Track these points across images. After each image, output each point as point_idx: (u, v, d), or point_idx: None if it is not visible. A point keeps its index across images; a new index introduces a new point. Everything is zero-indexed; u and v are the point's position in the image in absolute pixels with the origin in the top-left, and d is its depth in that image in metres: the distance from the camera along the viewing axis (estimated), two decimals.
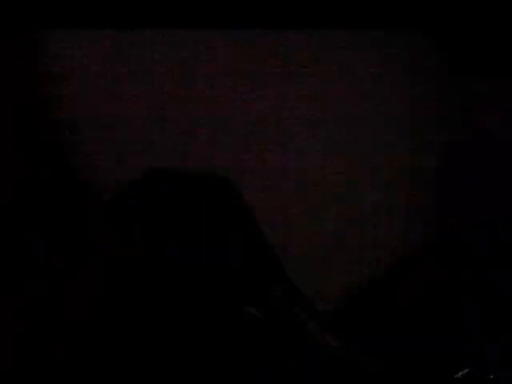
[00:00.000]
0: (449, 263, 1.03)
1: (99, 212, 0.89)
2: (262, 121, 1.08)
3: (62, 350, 0.79)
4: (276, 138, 1.08)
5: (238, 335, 0.84)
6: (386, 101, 1.10)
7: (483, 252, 1.02)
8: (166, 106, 1.06)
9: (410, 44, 1.09)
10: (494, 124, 1.09)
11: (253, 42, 1.07)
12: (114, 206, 0.88)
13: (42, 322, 0.79)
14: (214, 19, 1.05)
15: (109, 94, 1.04)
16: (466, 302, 0.97)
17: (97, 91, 1.04)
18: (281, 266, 0.93)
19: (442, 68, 1.10)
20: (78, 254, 0.83)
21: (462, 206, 1.11)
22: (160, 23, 1.04)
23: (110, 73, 1.05)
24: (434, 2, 1.06)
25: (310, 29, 1.06)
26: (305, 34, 1.07)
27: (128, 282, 0.82)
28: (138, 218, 0.87)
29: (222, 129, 1.07)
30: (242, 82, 1.07)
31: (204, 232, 0.89)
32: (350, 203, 1.10)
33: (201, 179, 0.96)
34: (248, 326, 0.84)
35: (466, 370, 0.89)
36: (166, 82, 1.06)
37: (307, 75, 1.08)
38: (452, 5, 1.06)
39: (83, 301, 0.81)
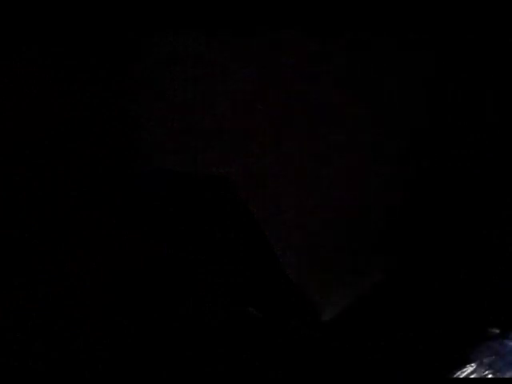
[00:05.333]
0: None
1: (99, 211, 0.89)
2: (262, 121, 1.08)
3: (62, 349, 0.79)
4: (276, 139, 1.08)
5: (238, 335, 0.84)
6: (386, 102, 1.10)
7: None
8: (165, 106, 1.06)
9: (407, 45, 1.10)
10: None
11: (252, 41, 1.07)
12: (115, 205, 0.88)
13: (42, 322, 0.79)
14: (213, 19, 1.05)
15: (108, 94, 1.04)
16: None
17: (98, 92, 1.04)
18: (280, 265, 0.93)
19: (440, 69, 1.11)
20: (77, 251, 0.83)
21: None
22: (160, 23, 1.04)
23: (110, 73, 1.04)
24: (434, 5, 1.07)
25: (311, 29, 1.06)
26: (305, 34, 1.07)
27: (127, 280, 0.82)
28: (138, 217, 0.87)
29: (222, 129, 1.07)
30: (242, 83, 1.07)
31: (203, 232, 0.89)
32: (350, 204, 1.10)
33: (200, 180, 0.96)
34: (248, 326, 0.84)
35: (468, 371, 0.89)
36: (166, 83, 1.06)
37: (307, 75, 1.08)
38: (451, 7, 1.06)
39: (82, 299, 0.81)
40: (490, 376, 0.88)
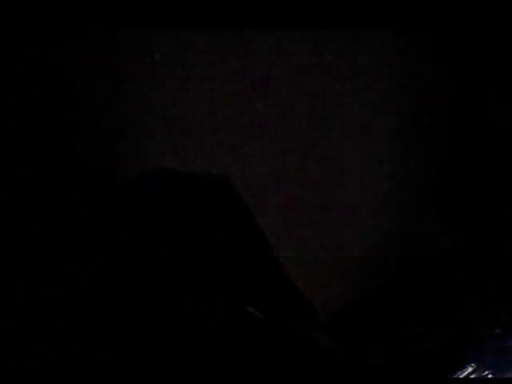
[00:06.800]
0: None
1: (99, 211, 0.88)
2: (262, 121, 1.08)
3: (62, 349, 0.78)
4: (276, 139, 1.08)
5: (238, 335, 0.84)
6: (386, 101, 1.10)
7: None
8: (165, 106, 1.06)
9: (409, 44, 1.09)
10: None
11: (253, 41, 1.07)
12: (115, 205, 0.88)
13: (42, 322, 0.79)
14: (214, 19, 1.05)
15: (108, 93, 1.04)
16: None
17: (97, 92, 1.04)
18: (280, 265, 0.93)
19: (442, 67, 1.11)
20: (77, 251, 0.83)
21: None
22: (160, 23, 1.04)
23: (110, 73, 1.05)
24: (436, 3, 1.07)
25: (310, 29, 1.06)
26: (306, 34, 1.07)
27: (127, 280, 0.82)
28: (138, 217, 0.87)
29: (222, 129, 1.07)
30: (242, 82, 1.07)
31: (203, 232, 0.88)
32: (350, 203, 1.10)
33: (200, 180, 0.96)
34: (248, 326, 0.84)
35: (467, 371, 0.89)
36: (166, 83, 1.06)
37: (307, 75, 1.08)
38: (453, 6, 1.06)
39: (82, 299, 0.81)
40: (490, 376, 0.88)
